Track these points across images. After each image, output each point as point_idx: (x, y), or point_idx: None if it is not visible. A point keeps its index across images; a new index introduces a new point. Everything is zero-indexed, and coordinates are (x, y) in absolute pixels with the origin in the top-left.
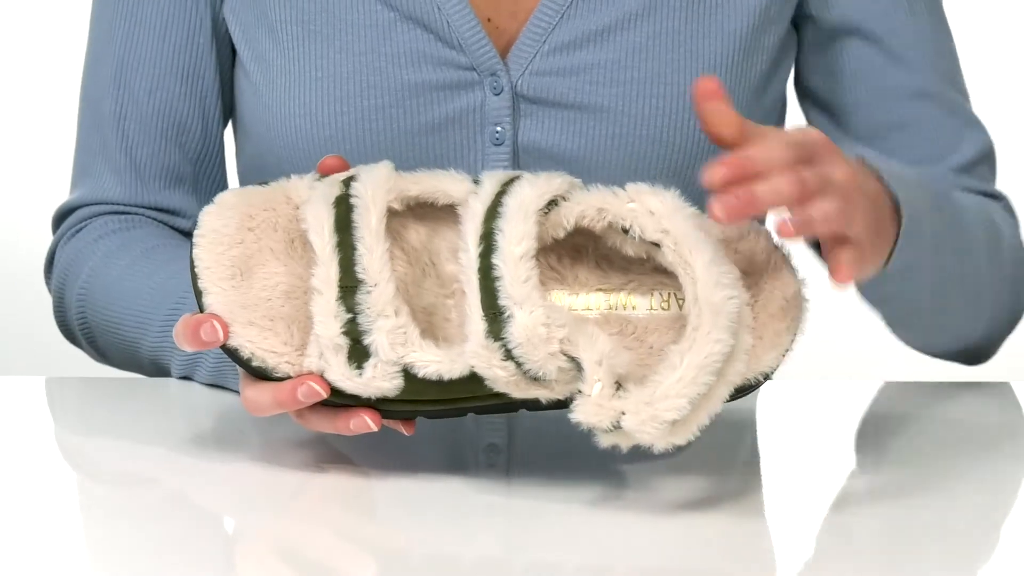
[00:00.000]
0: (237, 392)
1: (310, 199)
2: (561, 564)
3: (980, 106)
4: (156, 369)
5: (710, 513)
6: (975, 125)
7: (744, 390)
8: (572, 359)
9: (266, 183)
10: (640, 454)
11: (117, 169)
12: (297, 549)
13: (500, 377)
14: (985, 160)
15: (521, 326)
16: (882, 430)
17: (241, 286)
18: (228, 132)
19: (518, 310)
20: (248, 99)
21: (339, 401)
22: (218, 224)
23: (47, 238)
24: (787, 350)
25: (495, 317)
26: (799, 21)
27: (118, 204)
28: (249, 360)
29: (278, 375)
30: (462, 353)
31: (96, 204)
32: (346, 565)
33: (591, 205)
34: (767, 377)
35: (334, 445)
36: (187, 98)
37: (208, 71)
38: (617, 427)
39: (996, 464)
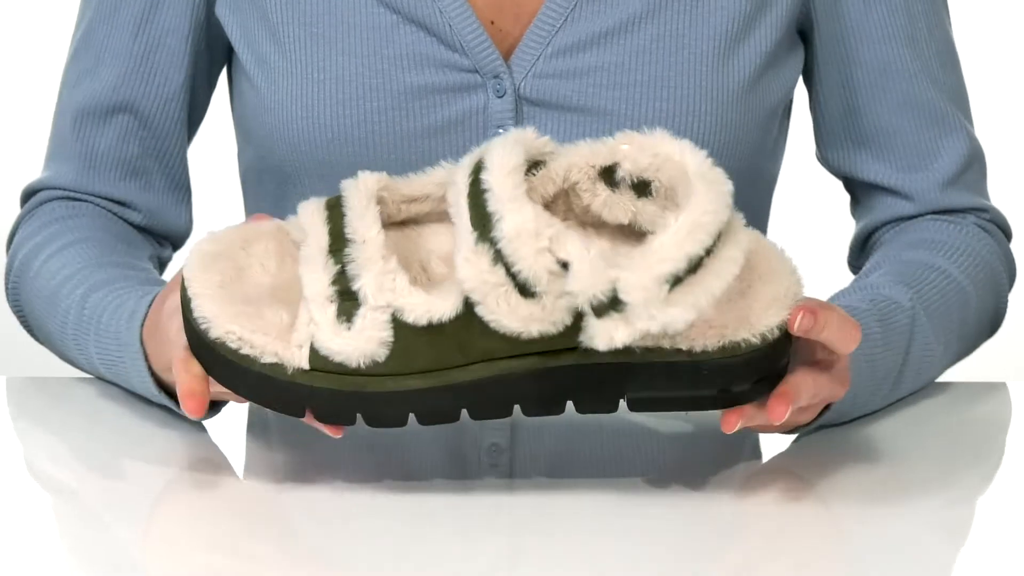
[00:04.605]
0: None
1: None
2: (564, 564)
3: (980, 107)
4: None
5: (712, 514)
6: (955, 132)
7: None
8: (562, 265)
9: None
10: (641, 457)
11: (75, 157)
12: (295, 549)
13: (489, 292)
14: (970, 167)
15: (511, 223)
16: (882, 429)
17: (230, 287)
18: (218, 133)
19: (508, 212)
20: (249, 101)
21: (323, 385)
22: (210, 247)
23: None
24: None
25: (485, 225)
26: (805, 27)
27: (72, 191)
28: (238, 349)
29: (266, 360)
30: (451, 287)
31: (53, 188)
32: (347, 564)
33: (579, 159)
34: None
35: (335, 444)
36: (152, 98)
37: (177, 74)
38: (614, 302)
39: (991, 464)
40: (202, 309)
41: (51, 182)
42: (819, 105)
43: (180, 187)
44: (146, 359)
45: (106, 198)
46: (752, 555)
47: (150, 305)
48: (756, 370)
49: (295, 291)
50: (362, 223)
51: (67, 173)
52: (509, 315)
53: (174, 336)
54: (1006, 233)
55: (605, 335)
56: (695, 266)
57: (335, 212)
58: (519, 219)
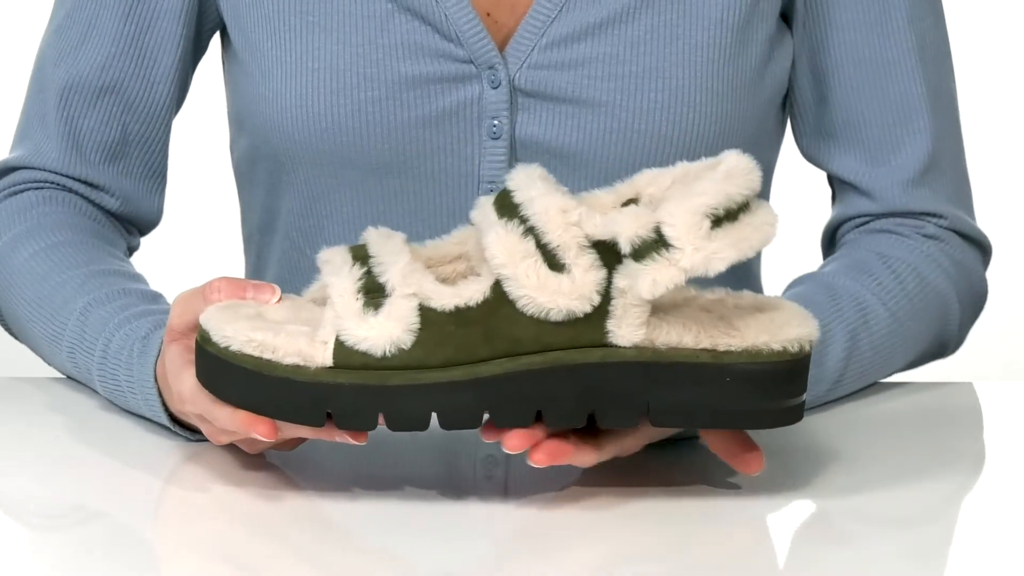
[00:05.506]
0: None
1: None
2: (559, 575)
3: (981, 106)
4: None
5: (710, 522)
6: (921, 130)
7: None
8: (592, 244)
9: None
10: (637, 468)
11: (56, 136)
12: (289, 557)
13: (519, 264)
14: (935, 168)
15: (540, 204)
16: (843, 430)
17: (251, 318)
18: (195, 123)
19: (538, 197)
20: (243, 88)
21: (346, 380)
22: (221, 305)
23: None
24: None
25: (512, 211)
26: (788, 11)
27: (52, 172)
28: (260, 356)
29: (288, 361)
30: (478, 278)
31: (32, 169)
32: (341, 572)
33: (600, 200)
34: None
35: (330, 453)
36: (139, 81)
37: (165, 57)
38: (655, 242)
39: (955, 462)
40: (223, 331)
41: (32, 161)
42: (792, 92)
43: (157, 174)
44: (159, 395)
45: (85, 182)
46: (751, 560)
47: (161, 343)
48: (778, 384)
49: (316, 315)
50: (386, 246)
51: (50, 152)
52: (538, 289)
53: (188, 395)
54: (979, 244)
55: (648, 280)
56: (733, 215)
57: (358, 248)
58: (549, 200)
